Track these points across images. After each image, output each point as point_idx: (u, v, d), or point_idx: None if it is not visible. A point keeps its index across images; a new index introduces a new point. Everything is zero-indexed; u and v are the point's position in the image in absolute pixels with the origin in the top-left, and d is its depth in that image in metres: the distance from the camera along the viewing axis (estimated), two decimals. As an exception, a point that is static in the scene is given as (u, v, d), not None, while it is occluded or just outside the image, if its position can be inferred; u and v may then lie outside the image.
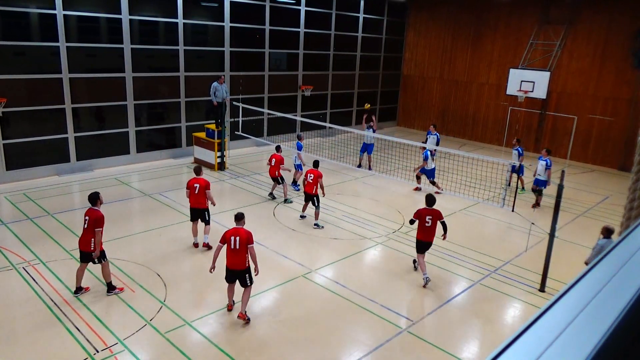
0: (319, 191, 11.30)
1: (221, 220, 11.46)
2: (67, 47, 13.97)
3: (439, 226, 8.80)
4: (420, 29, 24.77)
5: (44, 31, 13.81)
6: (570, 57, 19.69)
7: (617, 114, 18.77)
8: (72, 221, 11.10)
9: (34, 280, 8.35)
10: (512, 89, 19.32)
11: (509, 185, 9.91)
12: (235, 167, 16.28)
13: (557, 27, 19.78)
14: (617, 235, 1.81)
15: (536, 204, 13.31)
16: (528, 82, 18.79)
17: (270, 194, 13.20)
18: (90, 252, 7.64)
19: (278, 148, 13.04)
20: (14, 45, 13.39)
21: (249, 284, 7.37)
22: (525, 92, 18.88)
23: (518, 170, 13.49)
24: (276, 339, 7.13)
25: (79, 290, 7.88)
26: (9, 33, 13.23)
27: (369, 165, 16.33)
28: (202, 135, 16.23)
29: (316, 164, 11.66)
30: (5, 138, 13.34)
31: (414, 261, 9.39)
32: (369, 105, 16.90)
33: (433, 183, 13.71)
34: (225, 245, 7.29)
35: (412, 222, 8.89)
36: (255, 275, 7.44)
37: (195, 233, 9.91)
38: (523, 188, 14.39)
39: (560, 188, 8.40)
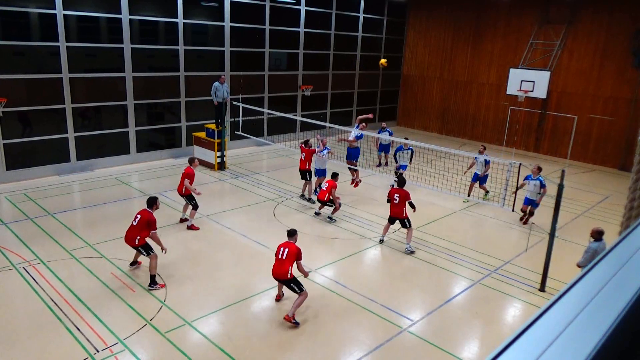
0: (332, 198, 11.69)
1: (221, 220, 11.47)
2: (67, 46, 13.97)
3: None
4: (420, 28, 24.77)
5: (44, 31, 13.82)
6: (570, 57, 19.68)
7: (618, 114, 18.77)
8: (72, 221, 11.10)
9: (34, 280, 8.35)
10: (512, 88, 19.32)
11: (507, 186, 9.93)
12: (236, 166, 16.29)
13: (557, 27, 19.77)
14: (617, 235, 1.80)
15: (526, 217, 12.23)
16: (528, 81, 18.79)
17: (302, 195, 13.20)
18: (135, 246, 8.26)
19: (307, 142, 13.01)
20: (14, 45, 13.39)
21: (297, 292, 7.51)
22: (526, 91, 18.88)
23: (480, 179, 13.40)
24: (276, 338, 7.13)
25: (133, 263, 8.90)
26: (9, 33, 13.23)
27: (386, 162, 16.97)
28: (202, 135, 16.23)
29: (334, 175, 11.86)
30: (5, 138, 13.34)
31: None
32: (385, 62, 16.05)
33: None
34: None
35: (388, 201, 10.44)
36: (306, 277, 8.02)
37: (183, 210, 11.28)
38: (487, 192, 13.83)
39: (561, 188, 8.40)
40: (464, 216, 12.73)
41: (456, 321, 7.93)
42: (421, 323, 7.74)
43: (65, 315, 7.35)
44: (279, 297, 8.12)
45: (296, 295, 7.55)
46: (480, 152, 13.43)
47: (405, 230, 10.43)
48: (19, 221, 10.86)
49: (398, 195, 10.25)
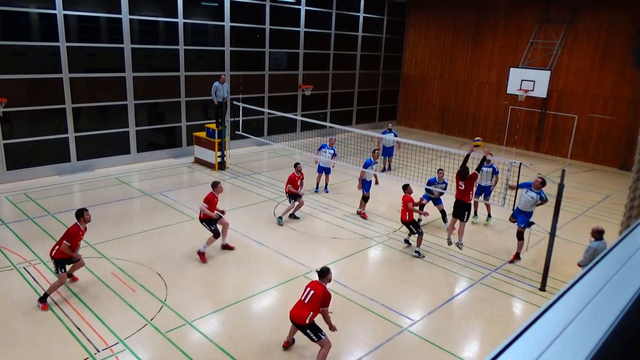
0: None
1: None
2: (67, 46, 13.97)
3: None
4: (421, 28, 24.76)
5: (44, 31, 13.82)
6: (570, 56, 19.67)
7: (618, 113, 18.76)
8: (72, 221, 11.07)
9: (35, 280, 8.36)
10: (512, 88, 19.31)
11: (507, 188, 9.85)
12: (236, 166, 16.29)
13: (557, 26, 19.76)
14: (617, 234, 1.80)
15: (516, 255, 10.06)
16: (528, 81, 18.78)
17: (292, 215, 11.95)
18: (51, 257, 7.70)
19: (296, 165, 11.90)
20: (14, 45, 13.39)
21: (315, 340, 6.35)
22: (526, 91, 18.87)
23: (485, 192, 11.75)
24: (277, 338, 7.13)
25: None
26: (9, 33, 13.24)
27: (389, 166, 16.60)
28: (203, 134, 16.24)
29: (404, 187, 10.52)
30: (5, 138, 13.35)
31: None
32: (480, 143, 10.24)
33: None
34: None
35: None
36: (332, 331, 6.57)
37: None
38: (490, 216, 12.30)
39: (561, 187, 8.40)
40: (464, 216, 12.71)
41: (457, 321, 7.94)
42: (421, 322, 7.74)
43: (66, 315, 7.35)
44: (287, 344, 6.88)
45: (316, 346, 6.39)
46: (488, 162, 11.32)
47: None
48: (20, 221, 10.86)
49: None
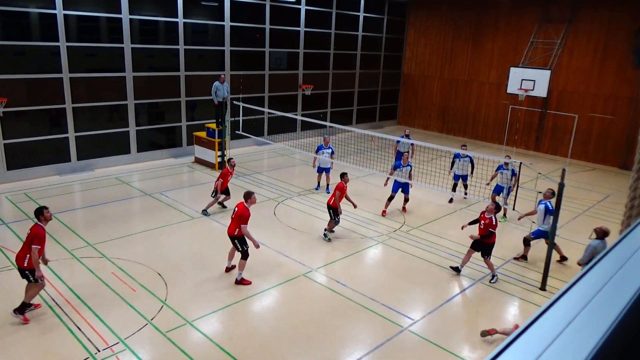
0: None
1: (222, 220, 11.47)
2: (67, 46, 13.98)
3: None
4: (421, 27, 24.75)
5: (44, 31, 13.82)
6: (570, 56, 19.66)
7: (618, 113, 18.75)
8: (73, 221, 11.11)
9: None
10: (512, 87, 19.29)
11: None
12: (236, 166, 16.24)
13: (557, 26, 19.75)
14: (618, 233, 1.80)
15: (523, 256, 10.24)
16: (529, 80, 18.77)
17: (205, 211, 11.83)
18: (22, 268, 7.09)
19: (229, 160, 12.16)
20: (14, 45, 13.40)
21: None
22: (526, 90, 18.86)
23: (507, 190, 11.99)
24: (277, 338, 7.13)
25: None
26: (10, 33, 13.24)
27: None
28: (203, 134, 16.24)
29: (342, 175, 10.92)
30: (6, 138, 13.35)
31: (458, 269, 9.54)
32: None
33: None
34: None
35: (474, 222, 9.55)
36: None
37: (229, 257, 8.96)
38: (504, 215, 12.53)
39: (561, 187, 8.39)
40: (465, 215, 12.71)
41: (457, 320, 7.94)
42: (422, 322, 7.74)
43: (66, 314, 7.36)
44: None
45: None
46: (506, 164, 12.08)
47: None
48: (20, 221, 10.86)
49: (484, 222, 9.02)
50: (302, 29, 20.28)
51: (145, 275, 8.68)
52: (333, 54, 22.04)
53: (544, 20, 20.09)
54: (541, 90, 18.66)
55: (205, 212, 11.71)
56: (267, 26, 18.95)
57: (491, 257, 9.21)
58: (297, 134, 19.78)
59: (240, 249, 8.49)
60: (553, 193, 9.57)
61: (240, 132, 15.88)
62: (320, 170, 13.90)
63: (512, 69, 19.38)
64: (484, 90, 22.64)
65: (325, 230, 10.70)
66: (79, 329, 7.01)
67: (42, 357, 6.48)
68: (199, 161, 16.49)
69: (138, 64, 15.56)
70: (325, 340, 7.14)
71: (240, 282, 8.48)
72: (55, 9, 13.54)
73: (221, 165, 15.78)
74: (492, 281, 9.16)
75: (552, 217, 8.85)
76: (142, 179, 14.62)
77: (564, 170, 8.76)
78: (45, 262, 7.53)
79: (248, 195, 8.70)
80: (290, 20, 19.93)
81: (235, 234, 8.39)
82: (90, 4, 14.55)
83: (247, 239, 8.43)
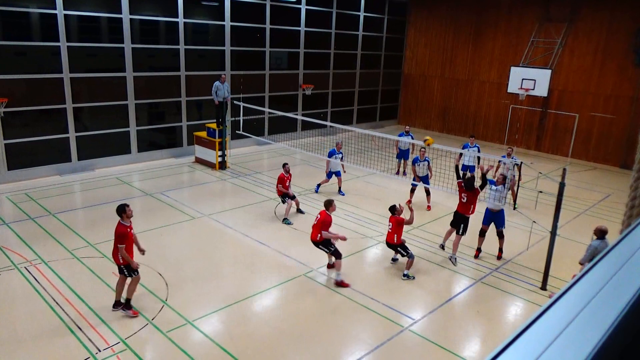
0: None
1: (222, 219, 11.48)
2: (67, 46, 13.98)
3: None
4: (421, 27, 24.74)
5: (44, 31, 13.82)
6: (571, 55, 19.65)
7: (619, 112, 18.74)
8: (73, 221, 11.12)
9: (36, 279, 8.37)
10: (513, 87, 19.27)
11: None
12: (237, 166, 16.29)
13: (558, 25, 19.73)
14: (618, 233, 1.80)
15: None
16: (529, 80, 18.75)
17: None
18: (119, 264, 7.44)
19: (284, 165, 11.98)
20: (14, 45, 13.40)
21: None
22: (527, 90, 18.84)
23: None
24: (278, 337, 7.13)
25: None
26: (10, 33, 13.24)
27: (404, 171, 15.96)
28: (203, 134, 16.24)
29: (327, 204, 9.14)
30: (6, 138, 13.36)
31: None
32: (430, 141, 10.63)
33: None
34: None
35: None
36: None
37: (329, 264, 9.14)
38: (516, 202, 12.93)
39: (562, 186, 8.39)
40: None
41: (457, 320, 7.93)
42: (422, 322, 7.74)
43: (67, 314, 7.36)
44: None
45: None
46: (508, 154, 12.53)
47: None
48: (21, 221, 10.87)
49: (465, 195, 9.55)
50: (302, 28, 20.28)
51: (146, 275, 8.68)
52: (333, 53, 22.03)
53: (545, 19, 20.07)
54: (542, 90, 18.63)
55: (286, 221, 11.48)
56: (268, 26, 18.95)
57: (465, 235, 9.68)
58: (298, 133, 19.77)
59: (329, 251, 8.79)
60: (504, 179, 9.99)
61: (241, 132, 15.88)
62: (330, 175, 13.76)
63: (513, 69, 19.36)
64: (484, 89, 22.63)
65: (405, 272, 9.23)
66: (80, 329, 7.02)
67: (42, 356, 6.48)
68: (199, 161, 16.50)
69: (138, 64, 15.56)
70: (326, 340, 7.14)
71: (340, 284, 8.58)
72: (55, 9, 13.55)
73: (221, 165, 15.80)
74: (452, 260, 9.69)
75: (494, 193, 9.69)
76: (142, 179, 14.62)
77: (564, 169, 8.76)
78: (142, 251, 7.83)
79: (329, 204, 8.91)
80: (291, 20, 19.93)
81: (318, 239, 8.68)
82: (90, 4, 14.55)
83: (331, 240, 8.73)
